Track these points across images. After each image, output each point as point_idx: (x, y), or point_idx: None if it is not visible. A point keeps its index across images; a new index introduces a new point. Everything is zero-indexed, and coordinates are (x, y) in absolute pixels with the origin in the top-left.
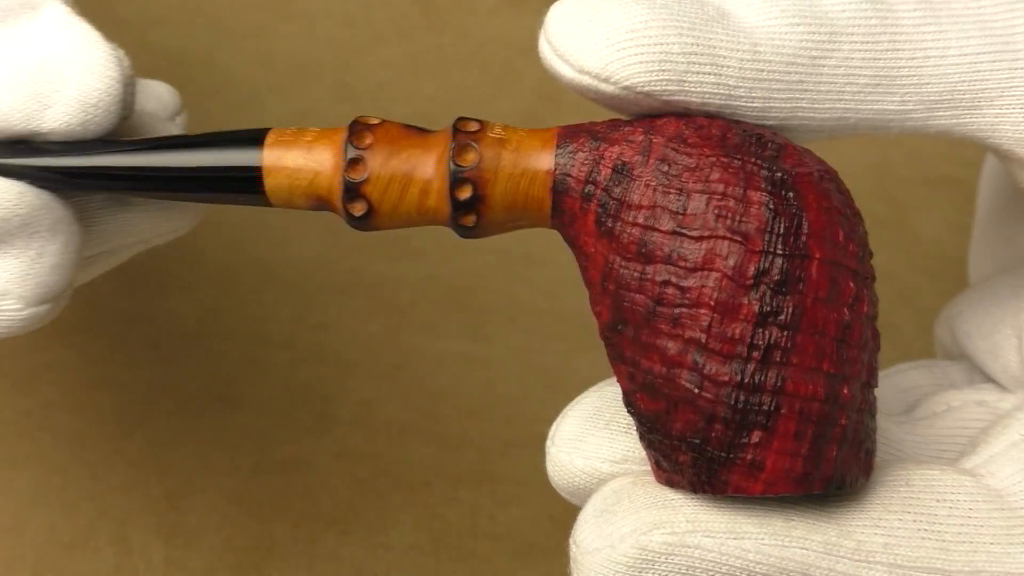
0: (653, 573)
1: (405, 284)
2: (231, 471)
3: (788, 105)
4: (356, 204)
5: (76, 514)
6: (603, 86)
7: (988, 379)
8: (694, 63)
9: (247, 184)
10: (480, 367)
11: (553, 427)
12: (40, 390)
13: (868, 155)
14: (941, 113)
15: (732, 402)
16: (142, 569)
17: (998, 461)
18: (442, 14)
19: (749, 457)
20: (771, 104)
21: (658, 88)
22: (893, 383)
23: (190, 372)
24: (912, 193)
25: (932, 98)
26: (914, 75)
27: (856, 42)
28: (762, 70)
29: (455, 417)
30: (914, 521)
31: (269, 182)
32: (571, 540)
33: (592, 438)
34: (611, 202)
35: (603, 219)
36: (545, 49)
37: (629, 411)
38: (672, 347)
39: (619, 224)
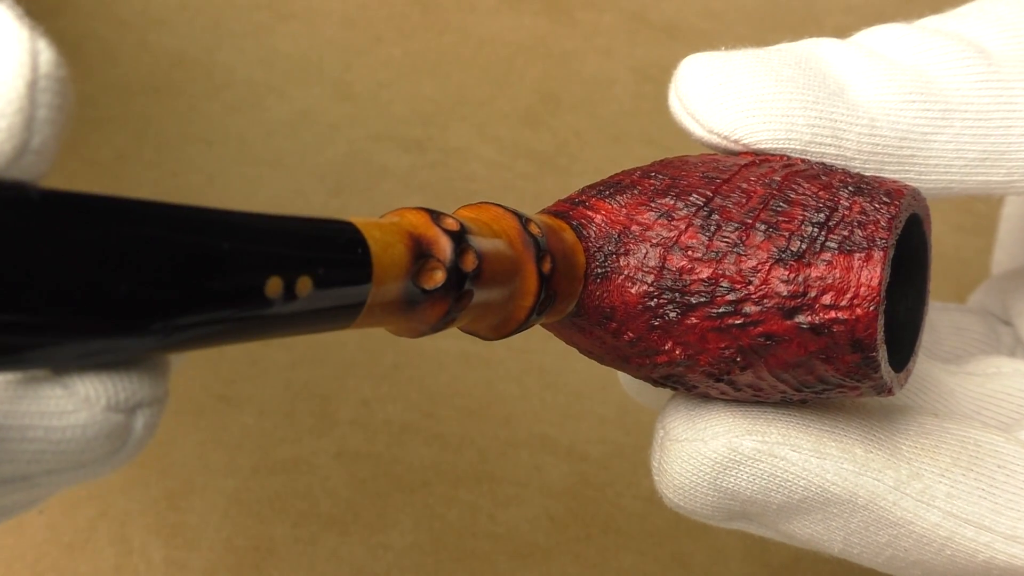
0: (736, 474)
1: None
2: (231, 471)
3: (898, 175)
4: (449, 219)
5: (76, 514)
6: (731, 145)
7: None
8: (817, 134)
9: (340, 231)
10: (480, 367)
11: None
12: None
13: None
14: None
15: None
16: (142, 569)
17: None
18: (442, 14)
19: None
20: (882, 174)
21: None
22: (951, 319)
23: (190, 372)
24: None
25: None
26: None
27: (968, 119)
28: (877, 144)
29: (455, 417)
30: (976, 480)
31: (359, 222)
32: (659, 425)
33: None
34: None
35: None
36: (676, 105)
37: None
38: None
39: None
